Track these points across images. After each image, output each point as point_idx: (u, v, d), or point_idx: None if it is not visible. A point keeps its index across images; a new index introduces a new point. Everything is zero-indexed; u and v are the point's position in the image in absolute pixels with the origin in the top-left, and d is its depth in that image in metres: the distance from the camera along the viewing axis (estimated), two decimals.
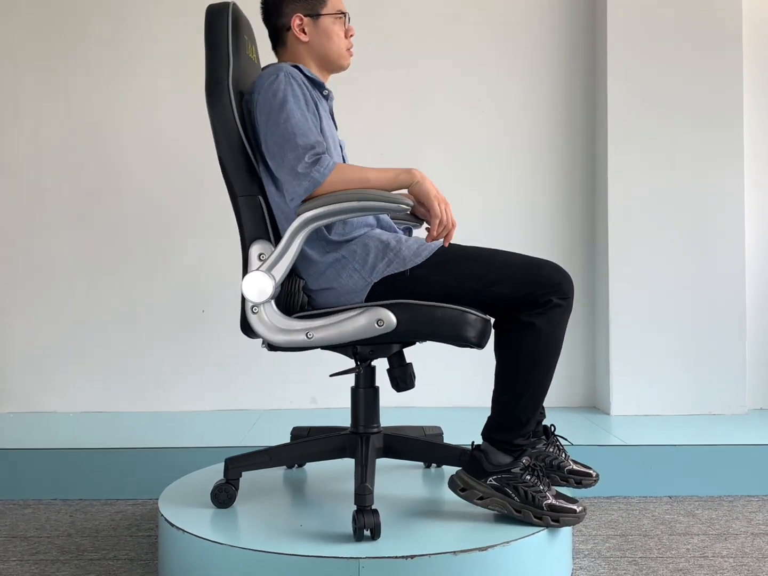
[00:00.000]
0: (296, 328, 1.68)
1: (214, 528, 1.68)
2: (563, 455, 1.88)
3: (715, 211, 3.02)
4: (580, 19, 3.23)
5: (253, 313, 1.69)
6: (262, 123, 1.69)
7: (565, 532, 1.73)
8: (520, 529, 1.63)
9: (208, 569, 1.59)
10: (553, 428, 1.90)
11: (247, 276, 1.67)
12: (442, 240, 1.70)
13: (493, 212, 3.21)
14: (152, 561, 1.88)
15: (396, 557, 1.49)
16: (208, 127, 1.77)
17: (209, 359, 3.17)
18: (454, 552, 1.52)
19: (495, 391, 1.72)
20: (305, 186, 1.63)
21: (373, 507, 1.58)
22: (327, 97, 1.87)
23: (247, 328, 1.75)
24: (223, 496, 1.78)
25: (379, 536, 1.56)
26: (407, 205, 1.64)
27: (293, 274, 1.77)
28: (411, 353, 1.80)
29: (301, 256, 1.72)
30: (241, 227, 1.75)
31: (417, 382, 1.76)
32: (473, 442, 1.74)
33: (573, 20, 3.23)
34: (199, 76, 1.81)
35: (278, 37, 1.87)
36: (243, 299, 1.71)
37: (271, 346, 1.76)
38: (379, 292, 1.68)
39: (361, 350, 1.76)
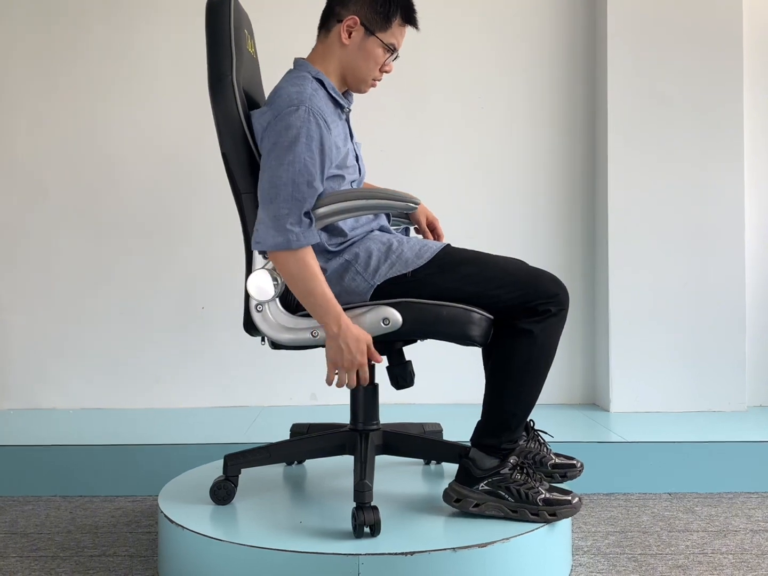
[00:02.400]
0: (301, 327, 1.68)
1: (213, 525, 1.68)
2: (545, 449, 1.88)
3: (715, 208, 3.02)
4: (580, 16, 3.22)
5: (258, 311, 1.69)
6: (265, 150, 1.64)
7: (565, 528, 1.74)
8: (520, 525, 1.63)
9: (208, 566, 1.59)
10: (532, 423, 1.90)
11: (252, 275, 1.66)
12: (444, 241, 1.69)
13: (493, 209, 3.21)
14: (152, 557, 1.88)
15: (396, 554, 1.50)
16: (208, 124, 1.77)
17: (209, 356, 3.17)
18: (454, 548, 1.52)
19: (486, 396, 1.73)
20: (278, 241, 1.59)
21: (373, 504, 1.58)
22: (346, 111, 1.82)
23: (250, 327, 1.74)
24: (222, 492, 1.78)
25: (378, 533, 1.56)
26: (415, 203, 1.65)
27: None
28: (410, 349, 1.80)
29: None
30: (244, 225, 1.73)
31: (417, 379, 1.76)
32: (460, 454, 1.74)
33: (573, 17, 3.22)
34: (200, 73, 1.80)
35: (327, 21, 1.77)
36: (247, 297, 1.71)
37: (275, 345, 1.75)
38: (382, 293, 1.68)
39: None
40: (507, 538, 1.57)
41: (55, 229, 3.18)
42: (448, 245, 1.75)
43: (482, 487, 1.67)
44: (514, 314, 1.67)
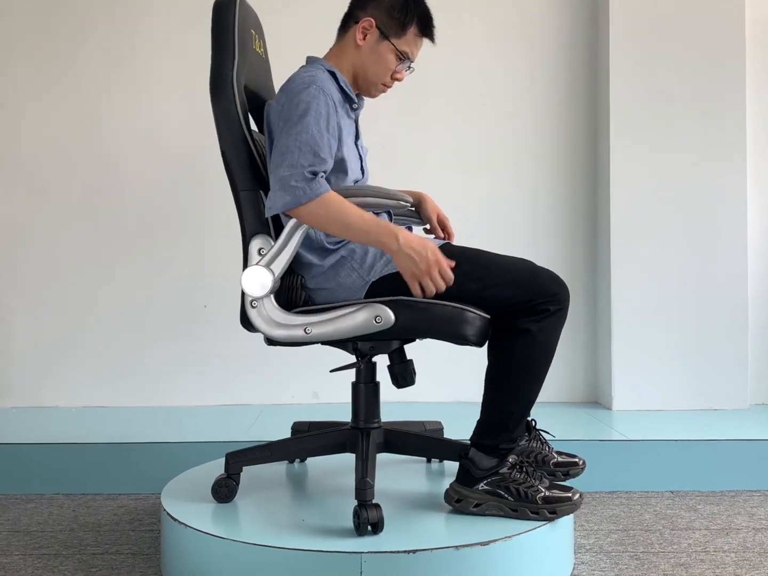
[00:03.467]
0: (294, 323, 1.69)
1: (216, 522, 1.68)
2: (547, 448, 1.88)
3: (717, 206, 3.02)
4: (582, 13, 3.22)
5: (252, 307, 1.70)
6: (278, 128, 1.67)
7: (567, 526, 1.74)
8: (522, 523, 1.63)
9: (211, 564, 1.60)
10: (534, 423, 1.90)
11: (247, 270, 1.67)
12: (442, 239, 1.68)
13: (494, 207, 3.21)
14: (155, 555, 1.88)
15: (398, 552, 1.50)
16: (209, 124, 1.77)
17: (211, 354, 3.17)
18: (456, 546, 1.52)
19: (485, 396, 1.72)
20: (287, 200, 1.61)
21: (375, 501, 1.58)
22: (356, 110, 1.84)
23: (246, 323, 1.75)
24: (224, 490, 1.78)
25: (381, 530, 1.56)
26: (406, 201, 1.65)
27: (294, 270, 1.77)
28: (412, 348, 1.80)
29: (302, 262, 1.73)
30: (242, 221, 1.74)
31: (418, 377, 1.76)
32: (459, 455, 1.74)
33: (575, 14, 3.22)
34: (201, 71, 1.81)
35: (346, 22, 1.81)
36: (243, 293, 1.72)
37: (270, 341, 1.76)
38: (378, 290, 1.68)
39: (361, 346, 1.76)
40: (509, 536, 1.57)
41: (57, 229, 3.18)
42: (447, 243, 1.75)
43: (482, 486, 1.67)
44: (513, 313, 1.65)
